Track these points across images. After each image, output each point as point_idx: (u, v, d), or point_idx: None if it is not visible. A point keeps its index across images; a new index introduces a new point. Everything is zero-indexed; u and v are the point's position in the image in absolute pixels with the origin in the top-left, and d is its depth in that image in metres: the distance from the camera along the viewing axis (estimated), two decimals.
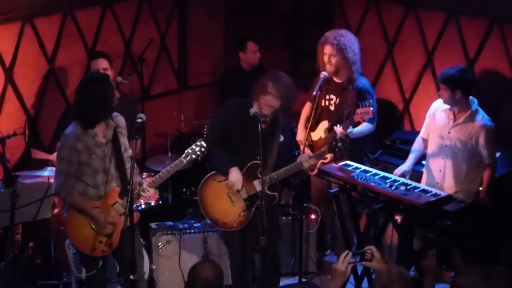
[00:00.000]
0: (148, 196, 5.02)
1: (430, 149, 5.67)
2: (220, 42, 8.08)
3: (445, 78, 5.41)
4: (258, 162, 5.05)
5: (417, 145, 5.82)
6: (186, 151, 4.95)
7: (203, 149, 4.93)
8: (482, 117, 5.44)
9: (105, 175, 4.88)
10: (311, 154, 5.25)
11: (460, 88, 5.37)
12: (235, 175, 5.18)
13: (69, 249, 5.39)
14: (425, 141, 5.78)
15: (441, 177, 5.57)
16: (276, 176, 5.19)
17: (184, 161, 4.95)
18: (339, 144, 5.20)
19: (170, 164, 4.99)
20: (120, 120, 5.01)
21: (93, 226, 4.90)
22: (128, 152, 5.05)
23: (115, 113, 4.98)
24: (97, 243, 4.92)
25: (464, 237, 4.04)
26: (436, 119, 5.62)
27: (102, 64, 5.88)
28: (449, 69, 5.48)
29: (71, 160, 4.81)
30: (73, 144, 4.80)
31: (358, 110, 5.56)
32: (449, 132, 5.50)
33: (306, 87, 6.21)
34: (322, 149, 5.33)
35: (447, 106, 5.53)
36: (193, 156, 4.93)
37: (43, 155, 5.77)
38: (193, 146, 4.94)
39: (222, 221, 5.31)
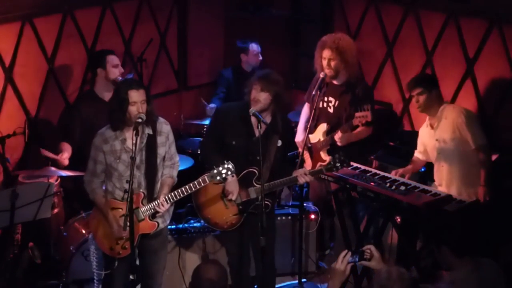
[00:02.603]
0: (163, 211, 4.93)
1: (434, 164, 5.72)
2: (220, 42, 8.09)
3: (419, 82, 5.54)
4: (255, 170, 5.10)
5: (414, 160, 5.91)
6: (212, 171, 4.85)
7: (229, 172, 4.84)
8: (452, 108, 5.54)
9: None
10: (307, 171, 5.25)
11: (435, 85, 5.53)
12: (232, 185, 5.18)
13: (91, 245, 5.39)
14: (420, 160, 5.84)
15: (445, 185, 5.59)
16: (271, 187, 5.21)
17: (207, 181, 4.89)
18: (338, 164, 5.20)
19: (193, 182, 4.91)
20: (164, 127, 5.00)
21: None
22: (172, 160, 5.07)
23: (160, 119, 4.98)
24: (115, 244, 4.95)
25: (448, 232, 4.09)
26: (425, 139, 5.73)
27: (117, 60, 6.01)
28: (413, 77, 5.68)
29: (97, 159, 4.91)
30: (99, 144, 4.88)
31: (357, 114, 5.58)
32: (436, 140, 5.56)
33: (306, 88, 6.22)
34: (320, 168, 5.32)
35: (426, 123, 5.66)
36: (218, 177, 4.85)
37: (51, 155, 5.76)
38: (220, 168, 4.83)
39: (214, 221, 5.35)
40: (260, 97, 5.10)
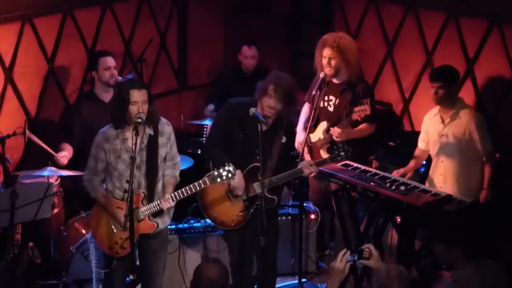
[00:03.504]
0: (166, 208, 4.93)
1: (432, 157, 5.72)
2: (220, 42, 8.09)
3: (442, 76, 5.51)
4: (259, 165, 5.08)
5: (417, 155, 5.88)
6: (212, 173, 4.88)
7: (230, 174, 4.85)
8: (468, 110, 5.54)
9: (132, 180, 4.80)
10: (312, 162, 5.26)
11: (457, 81, 5.54)
12: (237, 180, 5.16)
13: (90, 243, 5.40)
14: (424, 152, 5.82)
15: (442, 180, 5.59)
16: (276, 180, 5.21)
17: (208, 182, 4.91)
18: (342, 153, 5.21)
19: (194, 183, 4.92)
20: (165, 127, 4.99)
21: (113, 226, 4.94)
22: (174, 160, 5.07)
23: (162, 120, 4.98)
24: (114, 243, 4.96)
25: (468, 235, 4.09)
26: (430, 128, 5.71)
27: (112, 62, 5.99)
28: (437, 67, 5.63)
29: (98, 157, 4.91)
30: (101, 142, 4.89)
31: (356, 109, 5.60)
32: (442, 135, 5.56)
33: (306, 87, 6.21)
34: (324, 158, 5.35)
35: (435, 112, 5.63)
36: (219, 179, 4.87)
37: (41, 143, 5.74)
38: (221, 170, 4.84)
39: (221, 219, 5.34)
40: (275, 105, 5.08)
